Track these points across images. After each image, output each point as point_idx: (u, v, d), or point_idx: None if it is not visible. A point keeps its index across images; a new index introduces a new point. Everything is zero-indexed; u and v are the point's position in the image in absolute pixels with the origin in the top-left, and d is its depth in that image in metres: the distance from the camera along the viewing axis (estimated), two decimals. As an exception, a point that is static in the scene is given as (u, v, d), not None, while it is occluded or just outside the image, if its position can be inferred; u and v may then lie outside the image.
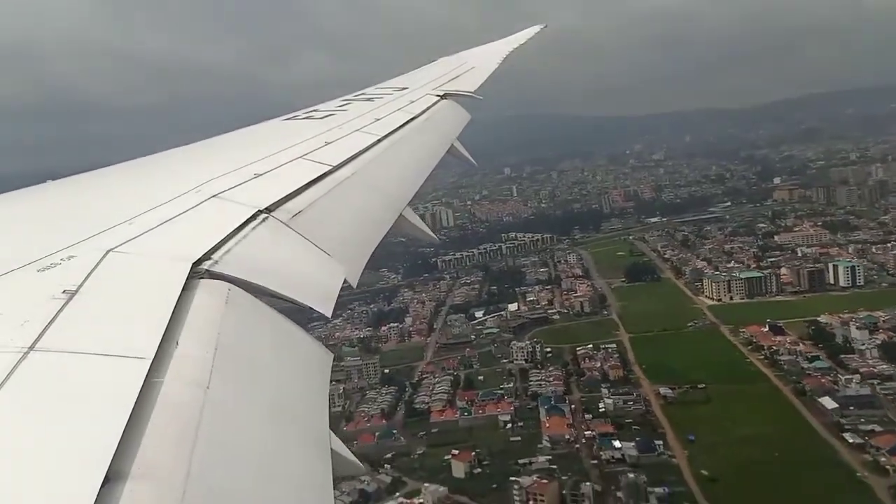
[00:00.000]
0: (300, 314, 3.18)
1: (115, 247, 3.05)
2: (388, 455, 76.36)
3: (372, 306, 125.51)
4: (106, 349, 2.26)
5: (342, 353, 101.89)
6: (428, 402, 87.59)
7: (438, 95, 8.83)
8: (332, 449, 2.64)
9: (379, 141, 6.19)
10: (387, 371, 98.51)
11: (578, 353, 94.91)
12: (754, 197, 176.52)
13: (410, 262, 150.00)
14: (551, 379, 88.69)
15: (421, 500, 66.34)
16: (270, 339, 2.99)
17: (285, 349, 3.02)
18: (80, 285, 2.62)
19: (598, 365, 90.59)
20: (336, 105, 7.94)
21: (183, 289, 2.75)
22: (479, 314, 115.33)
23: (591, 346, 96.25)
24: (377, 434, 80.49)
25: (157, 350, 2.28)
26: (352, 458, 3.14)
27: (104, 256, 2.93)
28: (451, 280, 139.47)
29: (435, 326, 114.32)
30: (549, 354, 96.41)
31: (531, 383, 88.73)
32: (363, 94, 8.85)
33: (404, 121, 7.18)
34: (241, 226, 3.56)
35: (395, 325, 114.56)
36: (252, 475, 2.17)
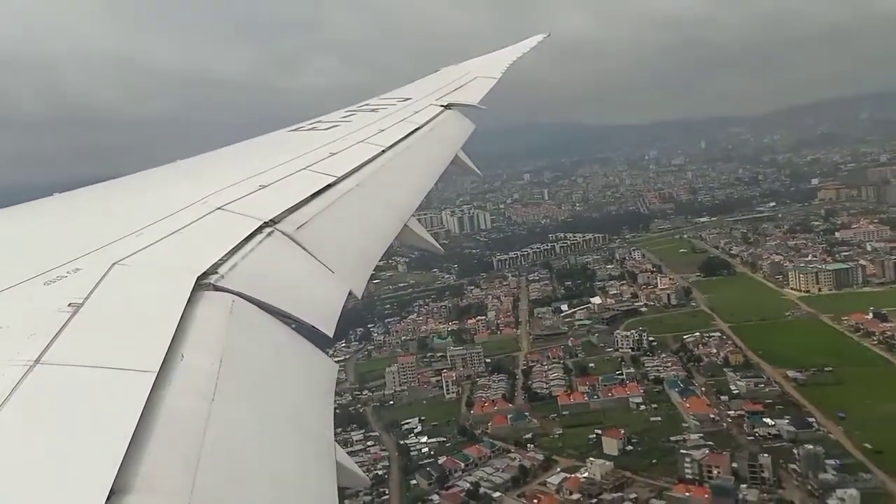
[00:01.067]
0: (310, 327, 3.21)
1: (121, 259, 3.07)
2: (528, 435, 79.63)
3: (446, 302, 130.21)
4: (112, 362, 2.27)
5: (434, 345, 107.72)
6: (547, 388, 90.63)
7: (442, 106, 8.85)
8: (336, 461, 2.63)
9: (383, 152, 6.20)
10: (488, 360, 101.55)
11: (685, 340, 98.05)
12: (797, 197, 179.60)
13: (463, 263, 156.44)
14: (669, 364, 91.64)
15: (586, 475, 68.89)
16: (275, 351, 2.99)
17: (290, 361, 3.02)
18: (86, 298, 2.64)
19: (714, 351, 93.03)
20: (340, 116, 7.97)
21: (188, 301, 2.76)
22: (563, 307, 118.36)
23: (697, 333, 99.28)
24: (510, 416, 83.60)
25: (163, 363, 2.29)
26: (356, 469, 3.13)
27: (110, 269, 2.94)
28: (516, 277, 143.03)
29: (520, 319, 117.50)
30: (654, 343, 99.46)
31: (648, 369, 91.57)
32: (367, 104, 8.88)
33: (408, 131, 7.20)
34: (245, 239, 3.57)
35: (480, 318, 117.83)
36: (257, 487, 2.17)
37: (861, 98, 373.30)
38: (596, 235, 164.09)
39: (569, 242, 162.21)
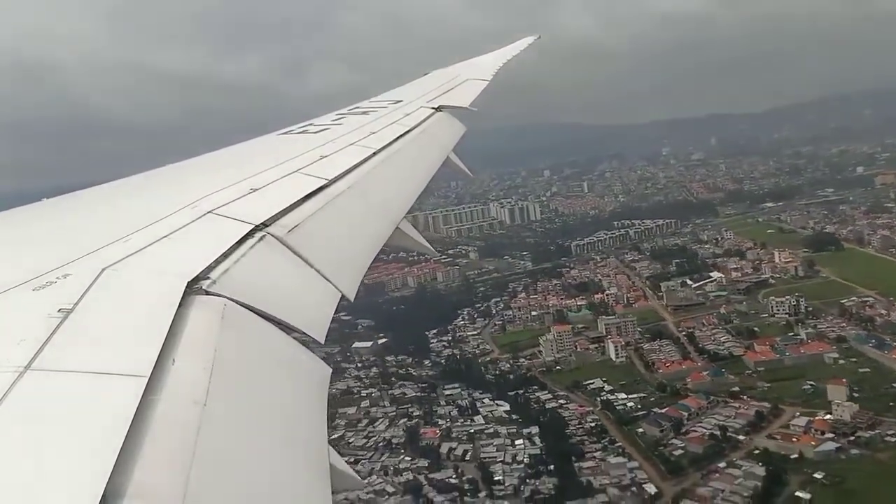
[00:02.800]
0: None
1: (111, 265, 3.05)
2: (734, 388, 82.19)
3: (555, 282, 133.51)
4: (102, 368, 2.26)
5: (572, 319, 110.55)
6: (722, 349, 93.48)
7: (433, 108, 8.86)
8: (330, 464, 2.63)
9: (374, 154, 6.20)
10: (640, 328, 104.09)
11: (844, 304, 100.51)
12: (851, 184, 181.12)
13: (531, 249, 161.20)
14: (844, 325, 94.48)
15: (829, 416, 72.18)
16: (267, 354, 2.98)
17: (282, 364, 3.02)
18: (76, 304, 2.62)
19: (883, 311, 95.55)
20: (331, 119, 7.96)
21: (179, 306, 2.74)
22: (688, 281, 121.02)
23: (854, 298, 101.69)
24: (706, 373, 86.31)
25: (154, 368, 2.27)
26: (350, 472, 3.13)
27: (99, 274, 2.93)
28: (607, 259, 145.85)
29: (646, 294, 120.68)
30: (810, 308, 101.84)
31: (820, 330, 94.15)
32: (358, 107, 8.87)
33: (399, 134, 7.20)
34: (237, 243, 3.55)
35: (601, 294, 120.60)
36: (250, 492, 2.16)
37: (860, 95, 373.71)
38: (668, 221, 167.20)
39: (641, 228, 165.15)
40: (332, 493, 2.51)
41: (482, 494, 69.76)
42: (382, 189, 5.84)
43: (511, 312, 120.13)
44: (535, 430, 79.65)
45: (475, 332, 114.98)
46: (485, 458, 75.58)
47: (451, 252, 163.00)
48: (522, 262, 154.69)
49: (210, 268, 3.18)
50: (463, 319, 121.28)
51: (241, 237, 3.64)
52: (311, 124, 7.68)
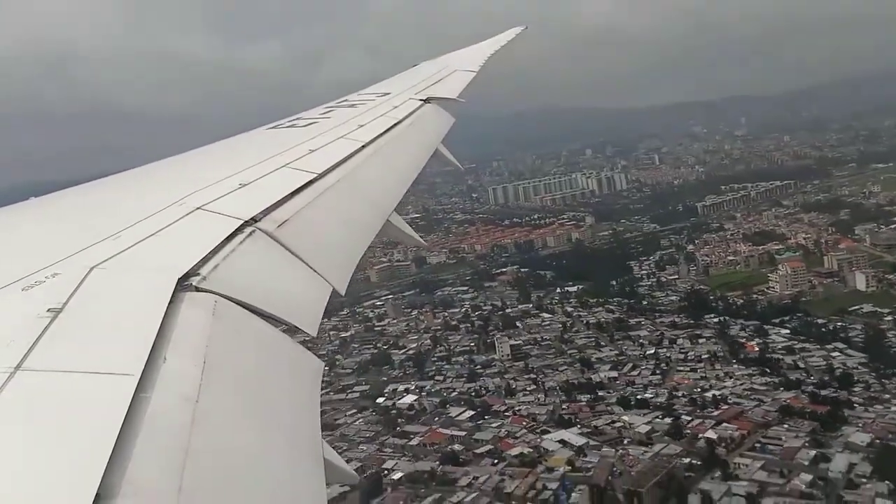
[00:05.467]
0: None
1: (99, 263, 3.03)
2: None
3: (719, 234, 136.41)
4: (93, 367, 2.25)
5: (781, 259, 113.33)
6: None
7: (422, 100, 8.84)
8: (324, 458, 2.64)
9: (363, 147, 6.18)
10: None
11: None
12: None
13: (645, 213, 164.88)
14: None
15: None
16: (259, 350, 2.98)
17: (275, 360, 3.02)
18: (65, 303, 2.61)
19: None
20: (319, 112, 7.93)
21: (169, 303, 2.74)
22: (871, 226, 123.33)
23: None
24: None
25: (145, 366, 2.27)
26: (345, 466, 3.14)
27: (88, 273, 2.91)
28: (767, 212, 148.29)
29: (837, 239, 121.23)
30: None
31: None
32: (346, 100, 8.84)
33: (388, 126, 7.18)
34: (226, 239, 3.54)
35: (795, 239, 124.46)
36: (244, 488, 2.16)
37: (877, 78, 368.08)
38: (786, 182, 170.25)
39: (760, 189, 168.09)
40: (326, 486, 2.52)
41: None
42: (372, 182, 5.83)
43: (704, 259, 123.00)
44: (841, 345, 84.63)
45: (673, 278, 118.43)
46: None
47: (565, 218, 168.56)
48: (647, 226, 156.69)
49: (200, 264, 3.17)
50: (642, 270, 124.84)
51: (230, 233, 3.63)
52: (299, 118, 7.65)
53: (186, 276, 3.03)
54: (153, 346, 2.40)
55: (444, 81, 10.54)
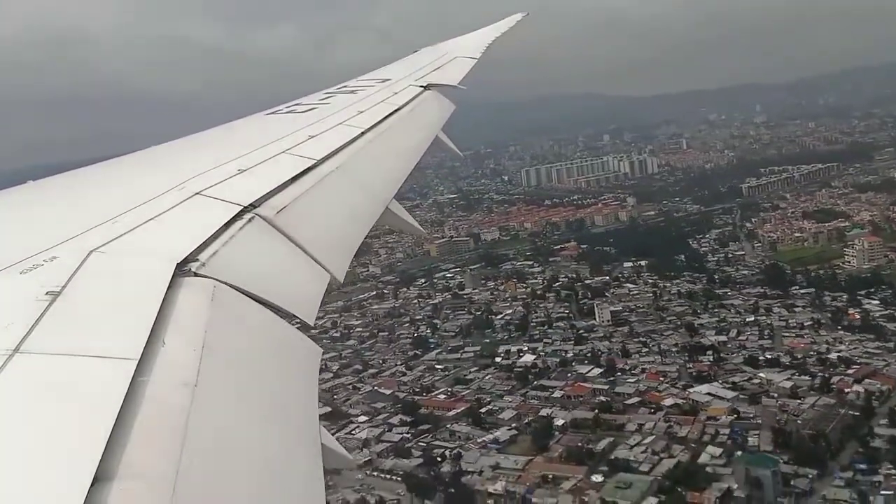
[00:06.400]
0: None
1: (98, 247, 3.03)
2: None
3: (777, 213, 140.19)
4: (91, 350, 2.26)
5: (851, 236, 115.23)
6: None
7: (422, 86, 8.79)
8: (322, 443, 2.65)
9: (363, 134, 6.15)
10: None
11: None
12: None
13: (686, 195, 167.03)
14: None
15: None
16: (257, 335, 2.99)
17: (273, 345, 3.02)
18: (64, 286, 2.61)
19: None
20: (319, 98, 7.89)
21: (168, 288, 2.74)
22: None
23: None
24: None
25: (144, 350, 2.27)
26: (342, 451, 3.16)
27: (87, 257, 2.91)
28: (820, 192, 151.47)
29: None
30: None
31: None
32: (345, 86, 8.79)
33: (388, 113, 7.15)
34: (225, 225, 3.54)
35: (859, 217, 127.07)
36: (242, 472, 2.17)
37: (884, 67, 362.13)
38: (828, 165, 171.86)
39: (803, 172, 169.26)
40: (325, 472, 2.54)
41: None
42: (371, 169, 5.81)
43: (769, 236, 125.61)
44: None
45: (739, 253, 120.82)
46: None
47: (605, 199, 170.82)
48: (690, 206, 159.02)
49: (199, 249, 3.17)
50: (702, 247, 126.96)
51: (229, 219, 3.63)
52: (298, 104, 7.61)
53: (185, 261, 3.03)
54: (152, 331, 2.40)
55: (445, 68, 10.49)
